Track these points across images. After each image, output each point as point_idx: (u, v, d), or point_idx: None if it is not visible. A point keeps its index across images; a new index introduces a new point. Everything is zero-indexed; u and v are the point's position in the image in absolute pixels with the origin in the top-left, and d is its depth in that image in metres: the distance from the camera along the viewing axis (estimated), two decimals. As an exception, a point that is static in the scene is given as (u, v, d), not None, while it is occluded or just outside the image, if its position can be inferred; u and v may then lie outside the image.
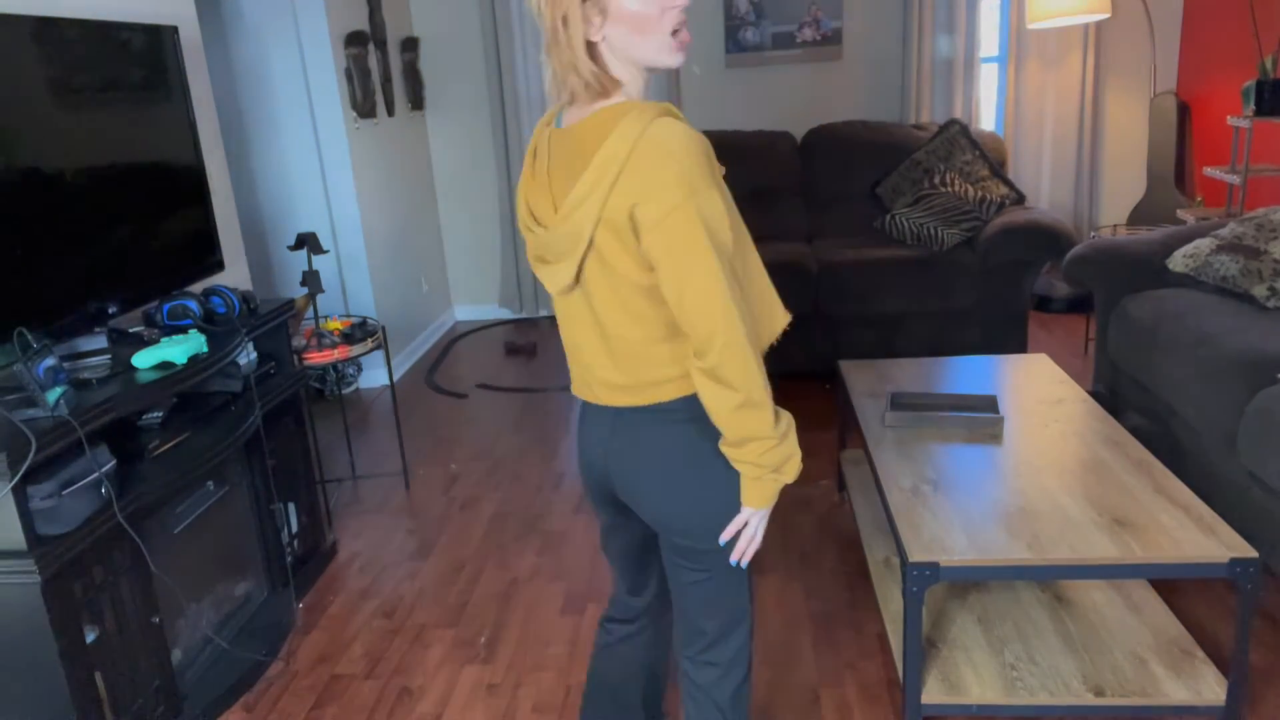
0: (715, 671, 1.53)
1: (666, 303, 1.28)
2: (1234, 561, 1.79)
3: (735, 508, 1.39)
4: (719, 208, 1.24)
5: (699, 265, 1.23)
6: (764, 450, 1.31)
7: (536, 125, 1.41)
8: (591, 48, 1.26)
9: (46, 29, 2.08)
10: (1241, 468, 2.47)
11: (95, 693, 1.90)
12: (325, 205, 4.44)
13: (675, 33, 1.26)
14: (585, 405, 1.49)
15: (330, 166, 4.33)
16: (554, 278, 1.33)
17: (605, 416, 1.44)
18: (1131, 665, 2.02)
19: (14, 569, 1.75)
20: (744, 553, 1.42)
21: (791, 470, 1.35)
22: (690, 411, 1.36)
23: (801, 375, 4.20)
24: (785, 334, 1.44)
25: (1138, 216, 4.89)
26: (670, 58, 1.28)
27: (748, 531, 1.41)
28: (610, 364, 1.37)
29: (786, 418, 1.35)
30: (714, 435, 1.36)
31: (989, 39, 5.04)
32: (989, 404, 2.53)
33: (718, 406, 1.29)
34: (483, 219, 5.63)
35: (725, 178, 1.31)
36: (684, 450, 1.39)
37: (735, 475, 1.37)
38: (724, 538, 1.42)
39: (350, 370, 4.58)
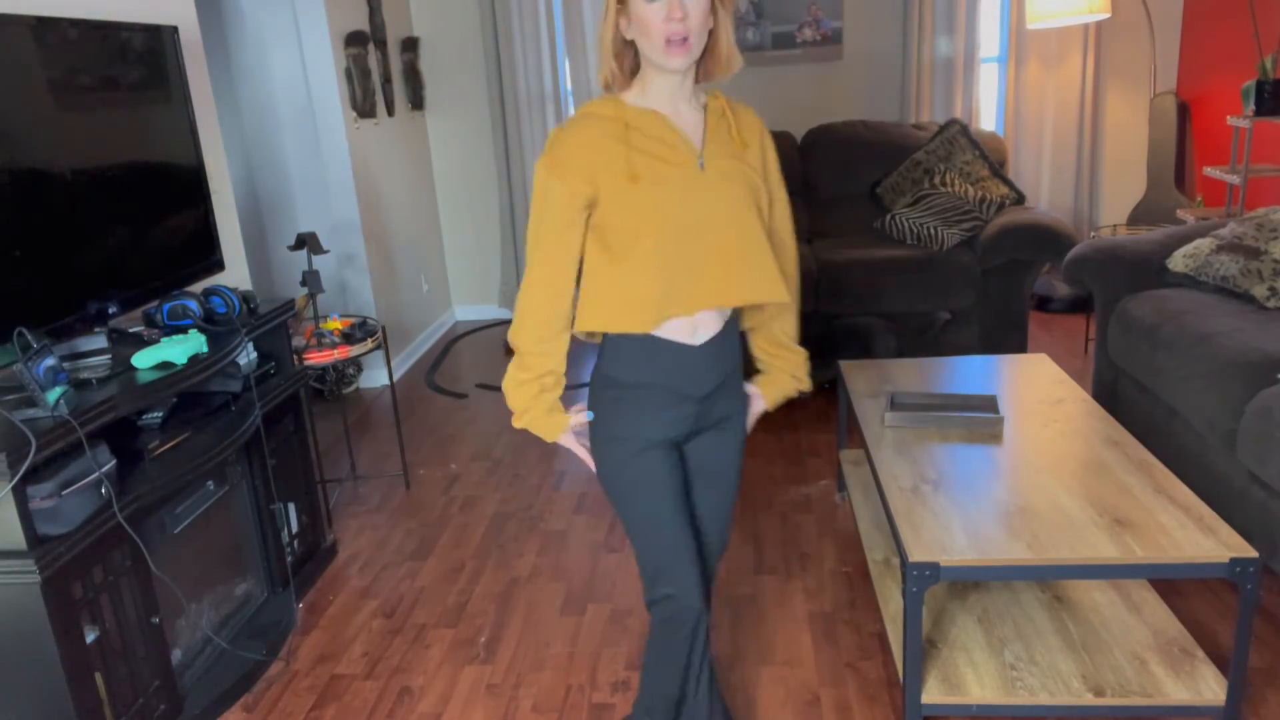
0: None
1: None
2: (1234, 561, 1.79)
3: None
4: (538, 186, 1.53)
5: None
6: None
7: None
8: (630, 44, 1.52)
9: (46, 29, 2.08)
10: (1241, 468, 2.47)
11: (95, 693, 1.90)
12: (325, 205, 4.44)
13: (670, 41, 1.47)
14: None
15: (330, 166, 4.33)
16: None
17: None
18: (1131, 665, 2.02)
19: (14, 569, 1.75)
20: None
21: None
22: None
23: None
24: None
25: (1138, 216, 4.89)
26: (662, 58, 1.49)
27: None
28: None
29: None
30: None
31: (989, 39, 5.04)
32: (989, 404, 2.53)
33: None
34: (483, 219, 5.63)
35: None
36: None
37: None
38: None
39: (350, 370, 4.58)
